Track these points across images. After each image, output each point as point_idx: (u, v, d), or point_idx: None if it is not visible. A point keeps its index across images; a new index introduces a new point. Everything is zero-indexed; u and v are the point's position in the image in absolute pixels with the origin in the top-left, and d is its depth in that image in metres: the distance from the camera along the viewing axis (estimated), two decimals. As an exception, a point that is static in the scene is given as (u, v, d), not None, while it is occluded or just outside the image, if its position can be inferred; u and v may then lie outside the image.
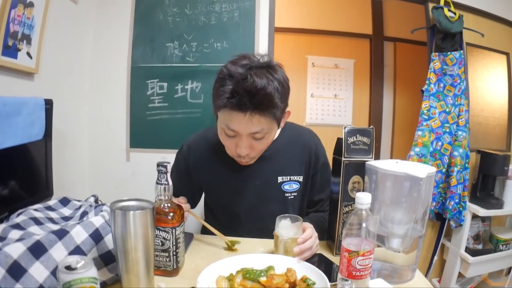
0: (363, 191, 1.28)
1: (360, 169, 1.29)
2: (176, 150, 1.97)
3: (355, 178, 1.32)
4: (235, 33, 2.34)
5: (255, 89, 1.27)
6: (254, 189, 1.61)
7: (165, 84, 2.36)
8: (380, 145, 4.31)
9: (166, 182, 1.15)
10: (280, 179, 1.61)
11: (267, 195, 1.62)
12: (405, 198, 1.16)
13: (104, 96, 2.43)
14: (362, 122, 4.25)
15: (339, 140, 1.34)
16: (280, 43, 3.50)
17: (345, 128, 1.30)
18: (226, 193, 1.64)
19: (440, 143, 2.63)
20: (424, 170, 1.10)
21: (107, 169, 2.49)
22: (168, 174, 1.15)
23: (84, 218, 1.16)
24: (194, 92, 2.35)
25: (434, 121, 2.62)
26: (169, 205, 1.17)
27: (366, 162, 1.24)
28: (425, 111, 2.61)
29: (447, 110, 2.61)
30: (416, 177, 1.09)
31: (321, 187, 1.68)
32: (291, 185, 1.62)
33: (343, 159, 1.30)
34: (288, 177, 1.62)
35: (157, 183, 1.16)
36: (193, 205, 1.78)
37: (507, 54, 2.96)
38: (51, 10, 1.92)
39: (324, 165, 1.68)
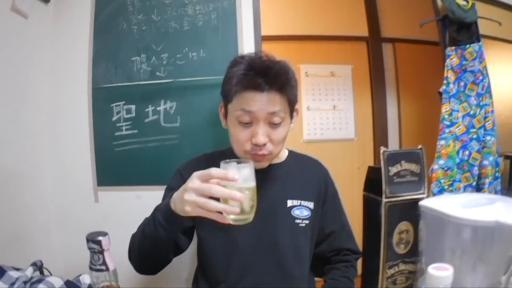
0: (416, 243, 0.85)
1: (409, 211, 0.85)
2: (152, 186, 1.95)
3: (403, 225, 0.88)
4: (214, 39, 1.96)
5: (271, 63, 1.30)
6: (260, 215, 1.25)
7: (133, 107, 1.99)
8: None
9: (104, 267, 0.71)
10: (290, 202, 1.46)
11: (275, 221, 1.43)
12: (488, 253, 0.74)
13: (64, 127, 2.07)
14: (367, 134, 3.92)
15: (373, 170, 0.91)
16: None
17: (383, 152, 0.87)
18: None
19: (467, 152, 2.25)
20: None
21: (74, 213, 2.10)
22: (106, 253, 0.71)
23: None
24: (168, 114, 1.97)
25: (458, 127, 2.25)
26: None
27: (420, 203, 0.80)
28: (447, 116, 2.24)
29: (472, 112, 2.26)
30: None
31: (332, 217, 1.54)
32: (302, 210, 1.46)
33: (384, 200, 0.86)
34: (299, 201, 1.46)
35: (91, 268, 0.72)
36: (185, 245, 1.46)
37: (525, 45, 2.67)
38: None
39: (334, 193, 1.56)
